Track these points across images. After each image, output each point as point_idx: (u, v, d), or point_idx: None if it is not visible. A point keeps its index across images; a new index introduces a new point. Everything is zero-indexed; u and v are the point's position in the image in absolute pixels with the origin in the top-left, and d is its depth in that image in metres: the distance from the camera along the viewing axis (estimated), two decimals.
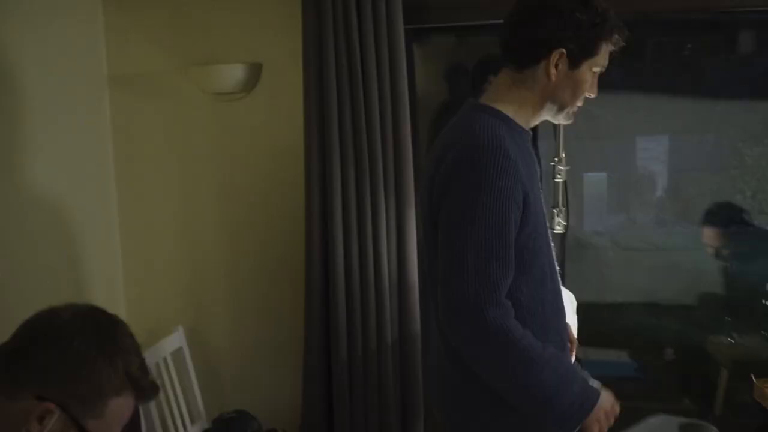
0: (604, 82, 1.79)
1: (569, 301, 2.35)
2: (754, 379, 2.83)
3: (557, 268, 1.81)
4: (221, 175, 3.00)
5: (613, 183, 6.20)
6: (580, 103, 1.73)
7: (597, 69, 1.69)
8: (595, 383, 1.74)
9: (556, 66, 1.64)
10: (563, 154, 2.53)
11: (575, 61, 1.65)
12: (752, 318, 3.56)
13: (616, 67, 1.80)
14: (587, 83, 1.69)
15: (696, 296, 4.38)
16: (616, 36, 1.68)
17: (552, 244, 1.78)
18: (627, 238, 5.44)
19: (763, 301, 3.25)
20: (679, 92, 5.65)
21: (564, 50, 1.63)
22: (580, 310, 2.34)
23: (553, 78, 1.65)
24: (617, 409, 1.77)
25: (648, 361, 4.31)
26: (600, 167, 5.97)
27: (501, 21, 1.73)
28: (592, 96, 1.73)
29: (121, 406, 1.22)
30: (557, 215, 2.56)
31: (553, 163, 2.57)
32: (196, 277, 3.06)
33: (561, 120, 1.76)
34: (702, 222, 4.23)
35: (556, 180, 2.57)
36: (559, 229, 2.59)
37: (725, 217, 4.30)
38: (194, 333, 2.98)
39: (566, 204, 2.58)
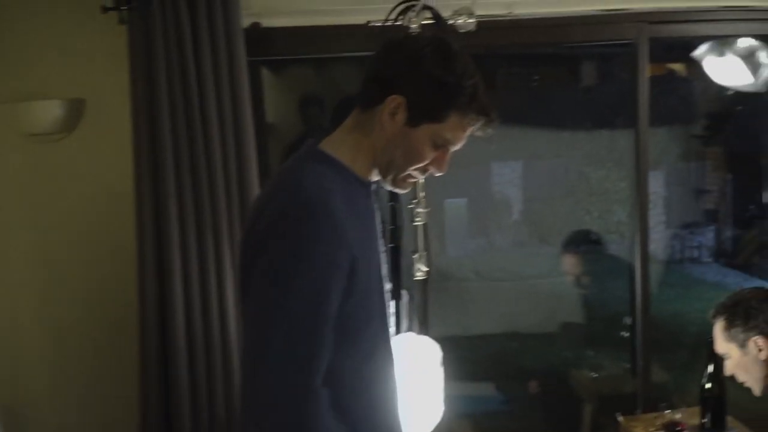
0: None
1: (433, 352, 2.18)
2: (620, 418, 2.76)
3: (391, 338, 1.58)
4: (38, 229, 2.64)
5: (472, 208, 6.27)
6: (416, 175, 1.52)
7: (441, 141, 1.48)
8: None
9: (393, 115, 1.44)
10: (422, 194, 2.35)
11: (414, 117, 1.45)
12: (613, 349, 3.58)
13: None
14: (424, 152, 1.47)
15: (557, 324, 4.39)
16: (474, 116, 1.47)
17: (388, 310, 1.56)
18: (489, 268, 5.45)
19: (622, 334, 3.22)
20: (529, 121, 5.79)
21: (404, 99, 1.43)
22: (445, 344, 2.17)
23: (387, 127, 1.45)
24: None
25: (515, 393, 4.25)
26: (459, 193, 6.01)
27: (356, 53, 1.54)
28: (437, 173, 1.53)
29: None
30: (417, 261, 2.37)
31: (411, 206, 2.38)
32: (11, 349, 2.68)
33: (387, 185, 1.54)
34: (561, 250, 4.26)
35: (415, 223, 2.38)
36: (420, 275, 2.40)
37: (581, 242, 4.36)
38: (9, 412, 2.60)
39: (428, 248, 2.40)
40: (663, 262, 8.57)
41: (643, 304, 2.92)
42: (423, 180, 2.22)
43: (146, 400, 2.44)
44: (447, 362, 2.17)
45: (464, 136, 1.51)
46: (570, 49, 4.24)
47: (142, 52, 2.38)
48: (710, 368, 2.58)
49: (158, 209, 2.40)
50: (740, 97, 5.12)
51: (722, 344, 2.02)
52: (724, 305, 2.03)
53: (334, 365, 1.38)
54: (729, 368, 2.03)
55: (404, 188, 1.56)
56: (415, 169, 1.51)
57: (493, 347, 4.42)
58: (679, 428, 2.59)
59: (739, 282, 8.76)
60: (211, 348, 2.42)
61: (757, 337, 1.95)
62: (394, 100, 1.43)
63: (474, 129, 1.50)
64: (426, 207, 2.36)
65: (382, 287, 1.54)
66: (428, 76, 1.43)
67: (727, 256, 9.20)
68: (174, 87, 2.38)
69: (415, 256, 2.37)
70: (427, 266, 2.39)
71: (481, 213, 6.35)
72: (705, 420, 2.60)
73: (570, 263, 4.12)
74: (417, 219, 2.37)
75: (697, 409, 2.65)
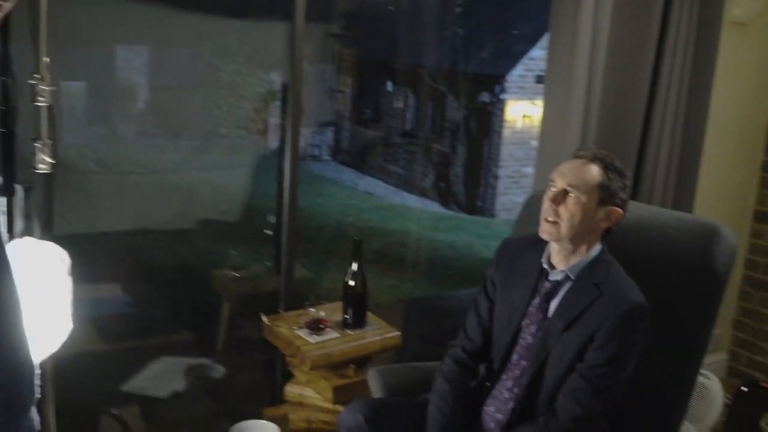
0: None
1: (60, 261, 1.85)
2: (265, 318, 2.69)
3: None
4: None
5: (92, 94, 5.67)
6: None
7: None
8: None
9: None
10: (47, 72, 1.93)
11: None
12: (256, 247, 3.49)
13: None
14: None
15: (194, 221, 4.18)
16: None
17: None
18: (115, 160, 4.99)
19: (266, 231, 3.13)
20: (159, 3, 5.33)
21: None
22: (70, 245, 1.85)
23: None
24: None
25: (145, 295, 3.98)
26: (77, 76, 5.37)
27: None
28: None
29: None
30: (40, 151, 1.97)
31: (33, 81, 1.94)
32: None
33: None
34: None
35: (38, 104, 1.95)
36: (44, 168, 2.00)
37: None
38: None
39: (53, 135, 2.00)
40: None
41: (290, 203, 2.84)
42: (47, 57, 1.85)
43: None
44: (74, 264, 1.86)
45: None
46: None
47: None
48: (354, 266, 2.61)
49: None
50: (377, 3, 5.24)
51: (586, 184, 1.91)
52: (603, 156, 1.95)
53: None
54: (564, 202, 1.92)
55: None
56: None
57: (122, 245, 4.07)
58: (322, 325, 2.60)
59: (353, 179, 9.39)
60: None
61: (615, 207, 1.94)
62: None
63: None
64: (51, 85, 1.95)
65: None
66: None
67: (343, 154, 9.74)
68: None
69: (38, 144, 1.97)
70: (52, 157, 2.00)
71: (103, 99, 5.82)
72: (347, 316, 2.64)
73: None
74: (40, 99, 1.95)
75: (339, 305, 2.69)
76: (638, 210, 2.29)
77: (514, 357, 2.01)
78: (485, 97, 9.08)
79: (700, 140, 3.09)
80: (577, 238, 1.94)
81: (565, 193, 1.92)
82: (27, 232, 1.98)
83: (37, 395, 1.30)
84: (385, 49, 9.13)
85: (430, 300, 5.23)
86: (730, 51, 3.23)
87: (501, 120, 8.90)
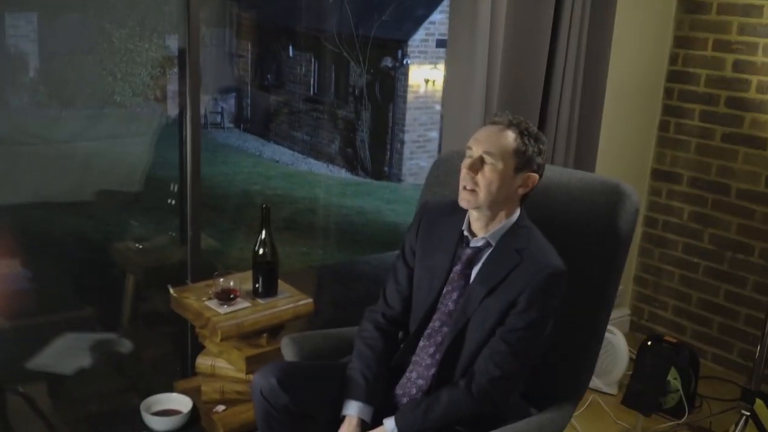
0: None
1: None
2: (172, 291, 2.63)
3: None
4: None
5: None
6: None
7: None
8: None
9: None
10: None
11: None
12: (160, 218, 3.39)
13: None
14: None
15: (93, 192, 4.02)
16: None
17: None
18: (7, 130, 4.74)
19: (169, 201, 3.05)
20: None
21: None
22: None
23: None
24: None
25: (44, 269, 3.82)
26: None
27: None
28: None
29: None
30: None
31: None
32: None
33: None
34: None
35: None
36: None
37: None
38: None
39: None
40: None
41: (193, 171, 2.78)
42: None
43: None
44: None
45: None
46: None
47: None
48: (263, 234, 2.58)
49: None
50: None
51: (501, 150, 1.92)
52: (518, 122, 1.96)
53: None
54: (482, 170, 1.93)
55: None
56: None
57: (19, 218, 3.88)
58: (232, 295, 2.56)
59: (258, 147, 9.25)
60: None
61: (532, 173, 1.95)
62: None
63: None
64: None
65: None
66: None
67: (246, 122, 9.57)
68: None
69: None
70: None
71: None
72: (258, 285, 2.62)
73: None
74: None
75: (249, 274, 2.65)
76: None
77: (436, 323, 2.03)
78: (388, 61, 9.07)
79: (600, 101, 3.18)
80: (496, 205, 1.97)
81: (481, 160, 1.94)
82: None
83: None
84: (285, 14, 8.98)
85: (341, 266, 5.23)
86: (626, 14, 3.32)
87: (405, 85, 8.92)
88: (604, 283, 2.21)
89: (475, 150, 1.95)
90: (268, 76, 9.62)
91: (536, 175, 1.99)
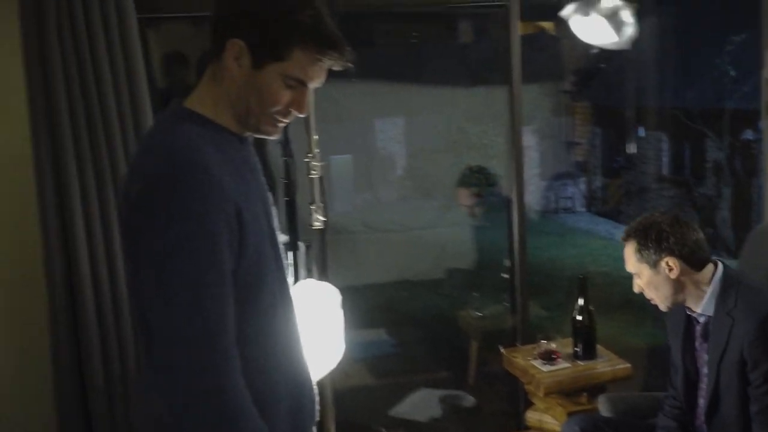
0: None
1: (332, 296, 2.32)
2: (502, 350, 3.02)
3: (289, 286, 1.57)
4: None
5: (357, 164, 6.44)
6: (279, 118, 1.42)
7: (292, 80, 1.37)
8: None
9: (238, 59, 1.36)
10: (317, 150, 2.48)
11: (257, 59, 1.36)
12: (494, 291, 3.84)
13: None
14: (277, 94, 1.37)
15: (443, 270, 4.65)
16: (320, 49, 1.36)
17: (284, 261, 1.52)
18: (377, 221, 5.65)
19: (502, 275, 3.48)
20: (410, 78, 5.96)
21: (243, 42, 1.35)
22: (342, 296, 2.32)
23: (235, 74, 1.36)
24: None
25: (405, 338, 4.49)
26: (344, 149, 6.15)
27: None
28: (300, 114, 1.42)
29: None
30: (315, 212, 2.51)
31: (306, 159, 2.50)
32: None
33: (252, 132, 1.46)
34: (457, 184, 4.49)
35: (312, 176, 2.51)
36: (318, 225, 2.54)
37: (476, 179, 4.61)
38: None
39: (324, 200, 2.53)
40: (539, 211, 9.05)
41: (520, 249, 3.17)
42: (316, 135, 2.37)
43: (57, 353, 2.49)
44: (345, 312, 2.32)
45: (317, 72, 1.40)
46: (447, 8, 4.45)
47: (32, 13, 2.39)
48: (581, 301, 2.87)
49: (58, 168, 2.43)
50: (605, 54, 5.46)
51: (634, 264, 2.13)
52: (636, 229, 2.14)
53: (237, 323, 1.33)
54: (639, 286, 2.15)
55: (272, 134, 1.46)
56: (276, 113, 1.41)
57: (385, 295, 4.63)
58: (554, 356, 2.88)
59: (609, 229, 9.35)
60: (118, 300, 2.49)
61: (668, 257, 2.09)
62: (234, 45, 1.35)
63: (328, 64, 1.40)
64: (321, 161, 2.48)
65: (275, 239, 1.48)
66: (260, 13, 1.36)
67: (597, 204, 9.76)
68: (66, 47, 2.39)
69: (313, 206, 2.50)
70: (324, 217, 2.52)
71: (366, 168, 6.53)
72: (577, 348, 2.90)
73: (464, 195, 4.37)
74: (313, 172, 2.48)
75: (570, 340, 2.95)
76: None
77: (700, 401, 2.18)
78: (748, 134, 8.70)
79: None
80: (678, 295, 2.11)
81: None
82: (309, 277, 2.47)
83: (317, 415, 1.60)
84: (621, 96, 9.11)
85: None
86: None
87: (766, 157, 8.44)
88: None
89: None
90: (618, 159, 9.75)
91: (673, 258, 2.06)
